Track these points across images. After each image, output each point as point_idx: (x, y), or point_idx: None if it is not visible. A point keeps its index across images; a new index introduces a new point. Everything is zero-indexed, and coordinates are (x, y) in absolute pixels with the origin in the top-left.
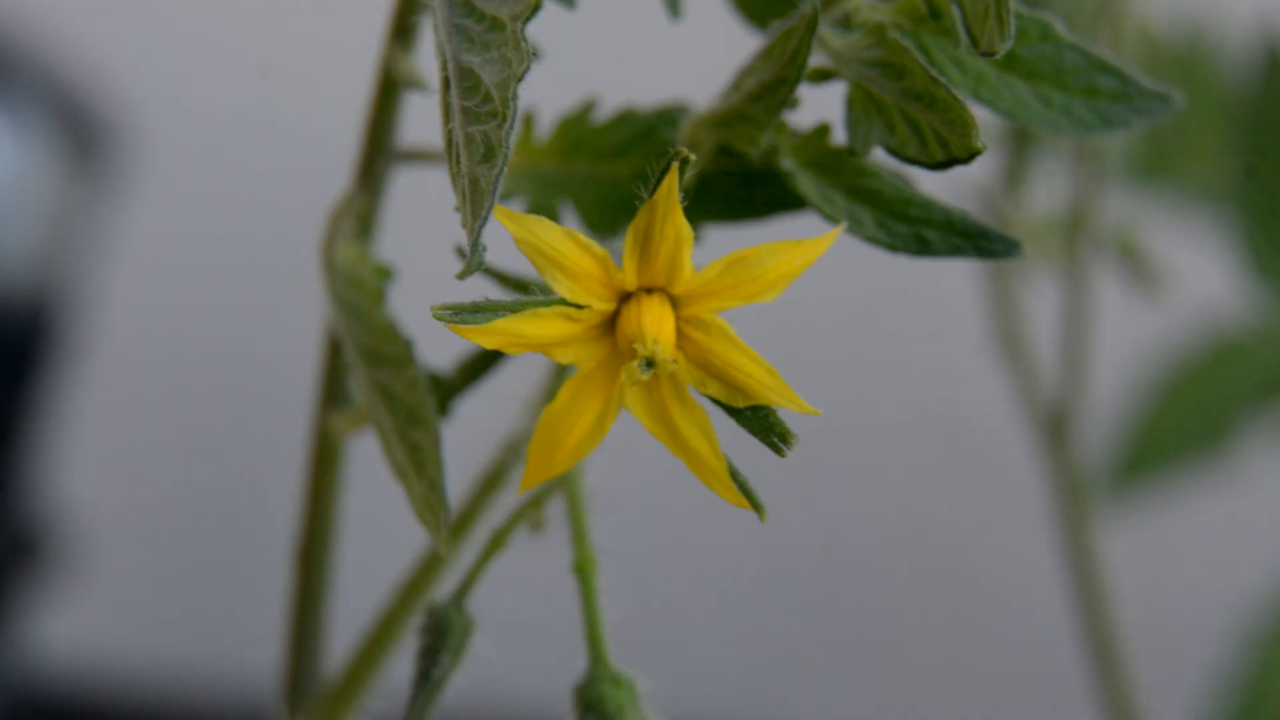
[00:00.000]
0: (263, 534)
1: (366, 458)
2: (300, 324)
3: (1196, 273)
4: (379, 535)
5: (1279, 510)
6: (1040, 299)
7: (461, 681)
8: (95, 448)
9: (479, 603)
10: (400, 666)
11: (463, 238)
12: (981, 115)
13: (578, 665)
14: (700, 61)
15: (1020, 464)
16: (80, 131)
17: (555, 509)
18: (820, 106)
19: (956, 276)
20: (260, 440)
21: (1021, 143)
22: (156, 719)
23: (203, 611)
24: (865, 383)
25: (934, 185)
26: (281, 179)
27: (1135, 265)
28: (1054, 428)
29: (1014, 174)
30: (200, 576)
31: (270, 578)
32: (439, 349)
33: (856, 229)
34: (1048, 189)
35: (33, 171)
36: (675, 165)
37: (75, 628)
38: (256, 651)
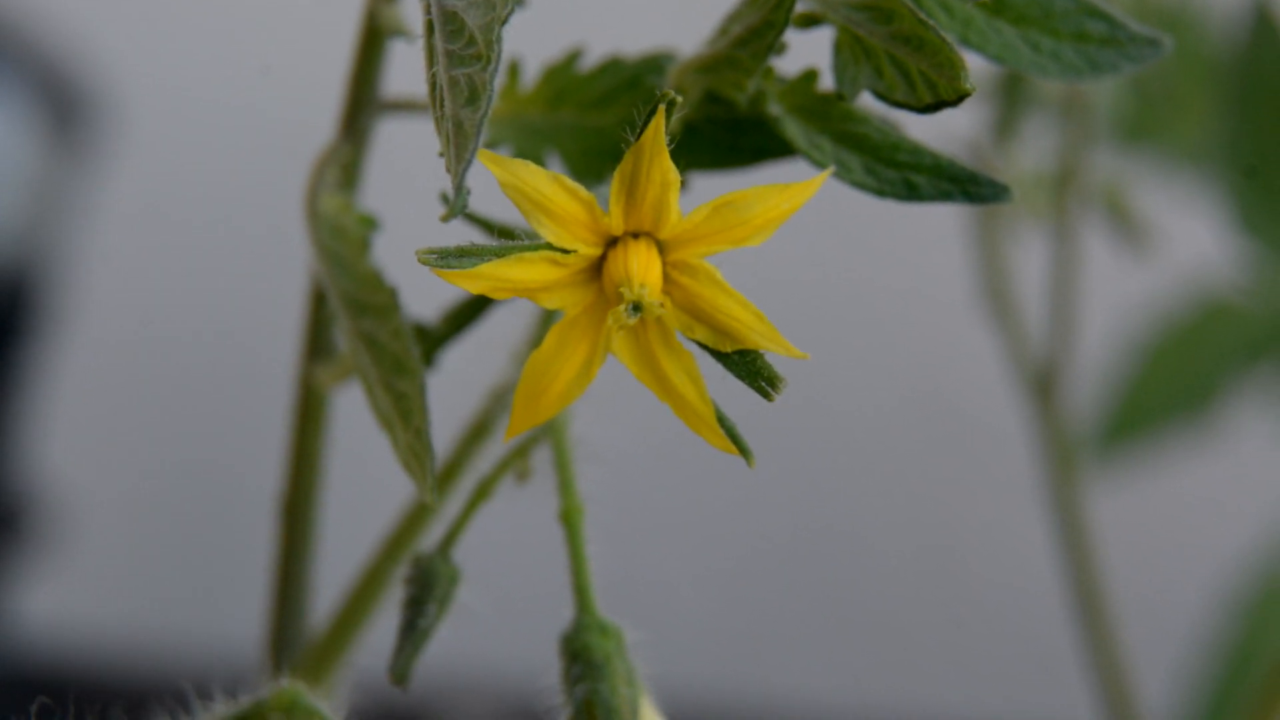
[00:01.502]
0: (245, 506)
1: (352, 410)
2: (282, 296)
3: (1184, 233)
4: (365, 488)
5: (1266, 473)
6: (1028, 257)
7: (447, 632)
8: (76, 420)
9: (463, 554)
10: (387, 620)
11: (448, 184)
12: (970, 62)
13: (565, 615)
14: (687, 8)
15: (1008, 424)
16: (62, 104)
17: (541, 458)
18: (807, 52)
19: (944, 233)
20: (242, 413)
21: (1010, 97)
22: (139, 691)
23: (185, 583)
24: (852, 343)
25: (923, 137)
26: (267, 140)
27: (1123, 223)
28: (1041, 387)
29: (1002, 129)
30: (183, 548)
31: (253, 549)
32: (425, 301)
33: (844, 174)
34: (1036, 145)
35: (14, 144)
36: (662, 108)
37: (57, 601)
38: (240, 623)
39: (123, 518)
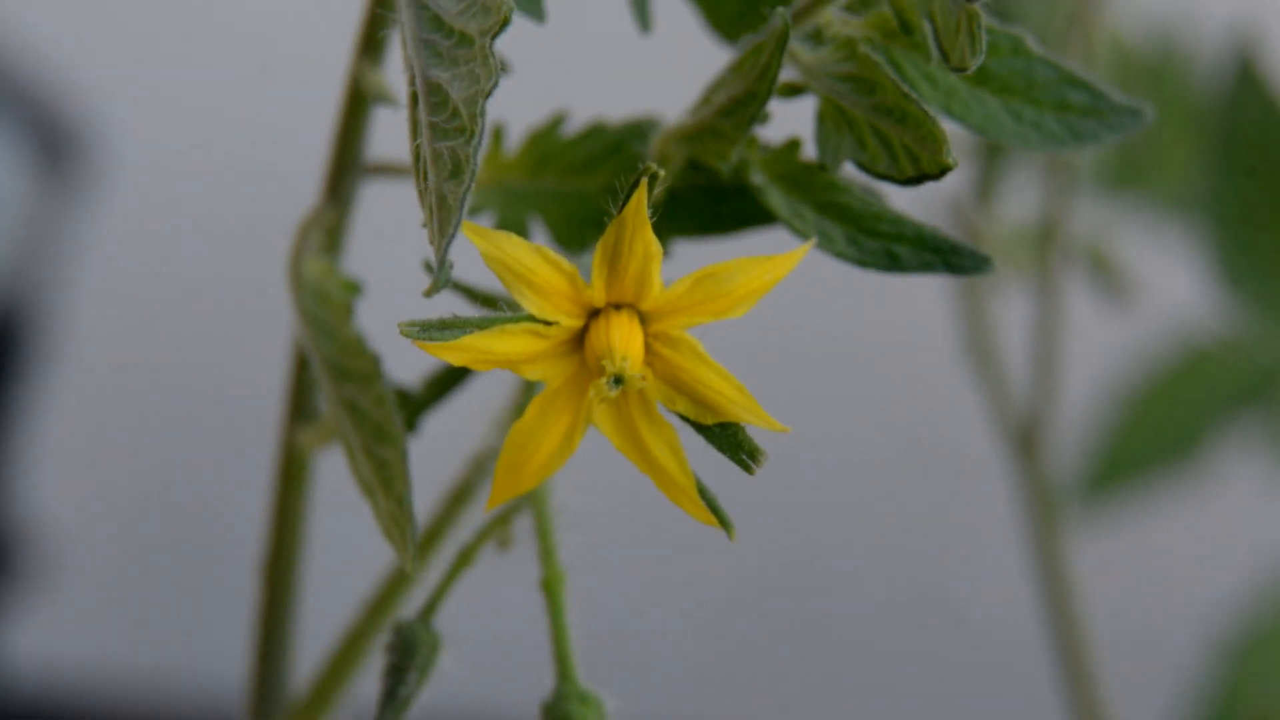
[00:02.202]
0: (231, 545)
1: (334, 473)
2: (270, 332)
3: (1167, 282)
4: (346, 551)
5: (1250, 520)
6: (1011, 310)
7: (428, 700)
8: (63, 457)
9: (445, 620)
10: (367, 685)
11: (431, 252)
12: (952, 129)
13: (545, 683)
14: (670, 76)
15: (991, 475)
16: (50, 140)
17: (523, 526)
18: (791, 121)
19: (927, 288)
20: (229, 450)
21: (992, 155)
22: None
23: (171, 623)
24: (835, 395)
25: (905, 196)
26: (249, 190)
27: (1106, 276)
28: (1025, 439)
29: (985, 186)
30: (169, 587)
31: (239, 589)
32: (407, 364)
33: (826, 245)
34: (1019, 200)
35: (3, 180)
36: (644, 180)
37: (43, 639)
38: (225, 663)
39: (109, 556)
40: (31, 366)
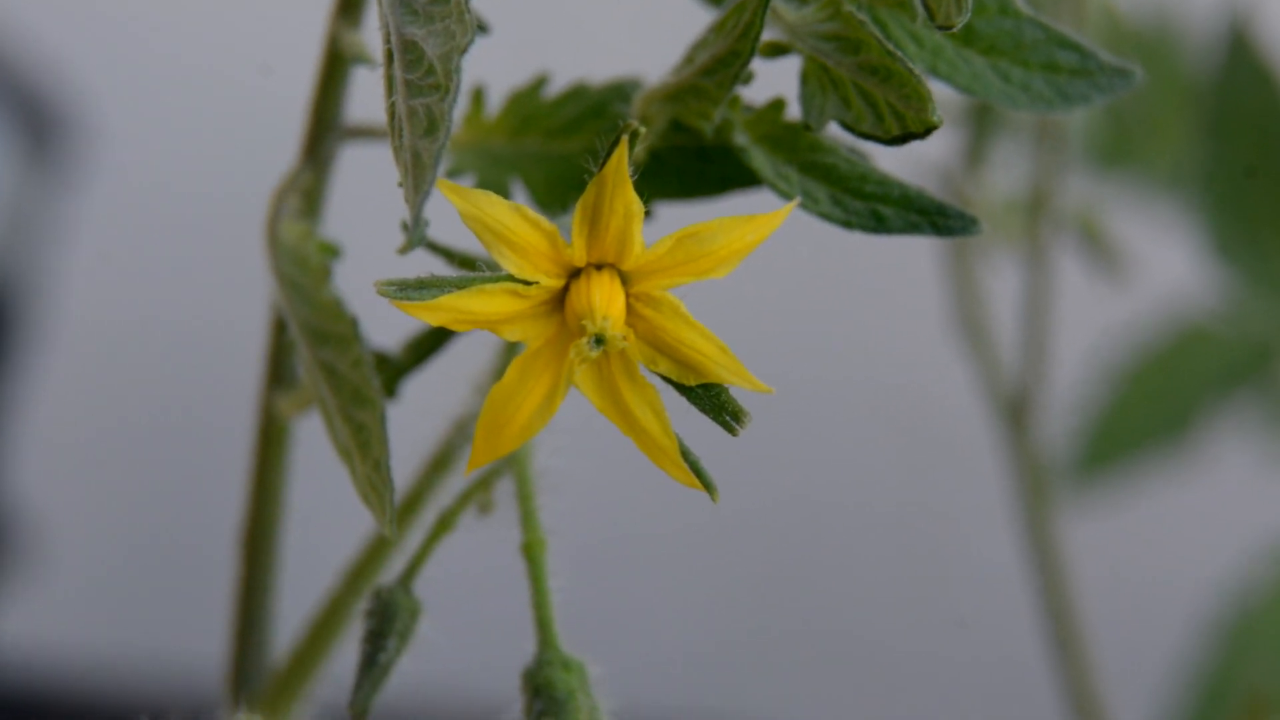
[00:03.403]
0: (217, 526)
1: (314, 440)
2: (255, 308)
3: (1159, 259)
4: (327, 519)
5: (1243, 499)
6: (1001, 282)
7: (408, 666)
8: (49, 441)
9: (425, 586)
10: (347, 653)
11: (407, 211)
12: (940, 92)
13: (527, 649)
14: (653, 36)
15: (981, 451)
16: (36, 123)
17: (504, 490)
18: (774, 82)
19: (918, 259)
20: (216, 430)
21: (982, 123)
22: (109, 711)
23: (155, 603)
24: (823, 368)
25: (894, 165)
26: (235, 172)
27: (1097, 248)
28: (1015, 414)
29: (974, 155)
30: (155, 571)
31: (224, 573)
32: (388, 329)
33: (811, 205)
34: (1008, 171)
35: None
36: (625, 138)
37: (32, 621)
38: (209, 642)
39: (94, 541)
40: (16, 350)
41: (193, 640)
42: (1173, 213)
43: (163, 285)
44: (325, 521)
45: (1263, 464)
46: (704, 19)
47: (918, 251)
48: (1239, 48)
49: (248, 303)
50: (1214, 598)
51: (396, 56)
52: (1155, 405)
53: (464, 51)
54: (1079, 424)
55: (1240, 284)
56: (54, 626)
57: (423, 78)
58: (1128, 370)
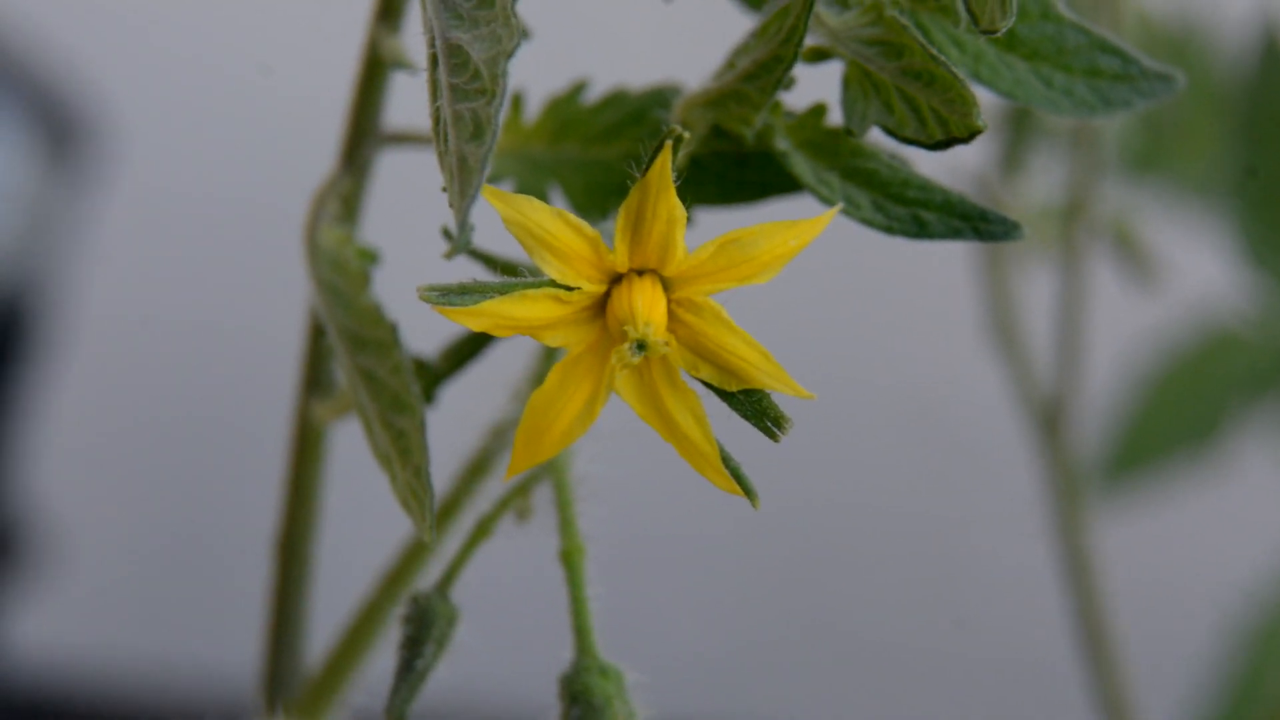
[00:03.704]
0: (241, 530)
1: (349, 445)
2: (280, 317)
3: (1192, 264)
4: (362, 524)
5: (1272, 504)
6: (1035, 289)
7: (445, 672)
8: (68, 444)
9: (463, 592)
10: (383, 659)
11: (450, 219)
12: (980, 97)
13: (564, 656)
14: (693, 41)
15: (1014, 455)
16: (57, 125)
17: (542, 496)
18: (815, 86)
19: (952, 265)
20: (238, 434)
21: (1019, 130)
22: (126, 716)
23: (180, 608)
24: (858, 372)
25: (929, 173)
26: (262, 165)
27: (1131, 255)
28: (1048, 419)
29: (1011, 162)
30: (178, 573)
31: (249, 573)
32: (425, 333)
33: (853, 211)
34: (1044, 178)
35: (9, 165)
36: (668, 144)
37: (49, 626)
38: (234, 648)
39: (116, 544)
40: (36, 353)
41: (210, 645)
42: (1204, 217)
43: (182, 287)
44: (358, 525)
45: None
46: (742, 25)
47: (951, 257)
48: (1271, 54)
49: (267, 304)
50: (1241, 602)
51: (441, 61)
52: (1184, 410)
53: (510, 56)
54: (1109, 428)
55: (1271, 289)
56: (70, 630)
57: (468, 82)
58: (1157, 375)
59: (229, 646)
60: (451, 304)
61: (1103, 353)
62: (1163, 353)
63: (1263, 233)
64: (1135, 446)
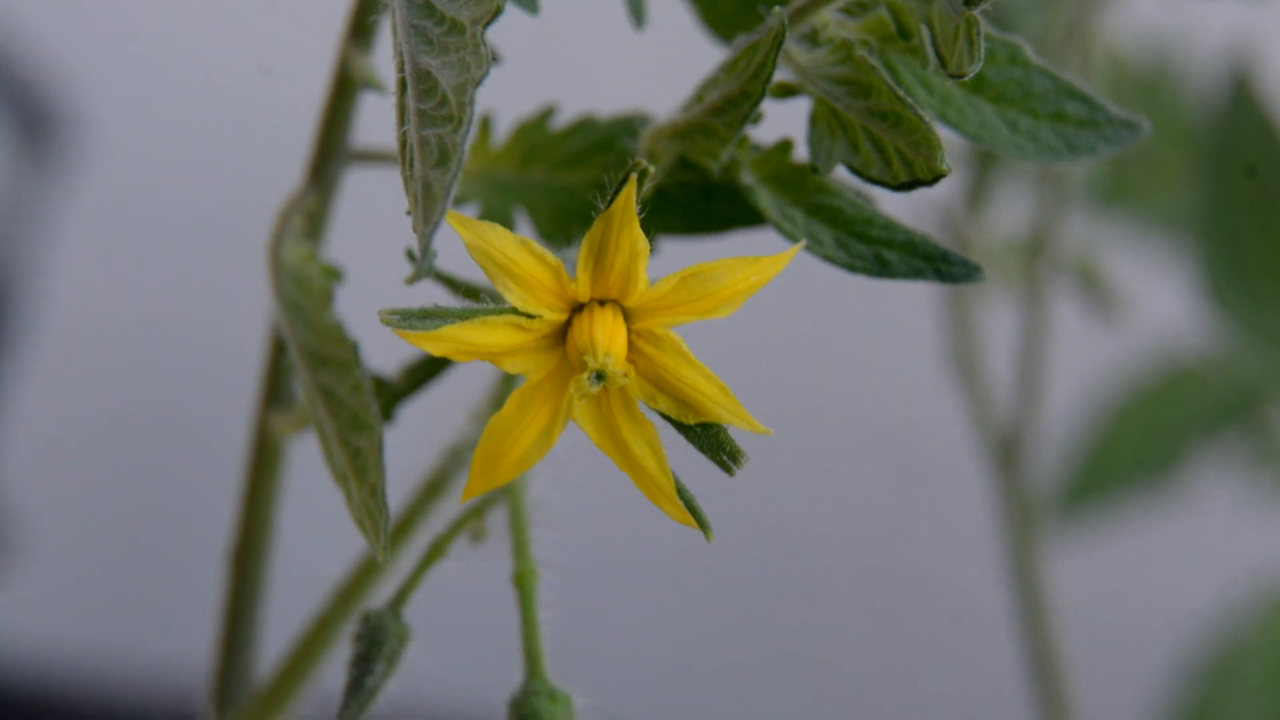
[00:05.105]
0: (202, 528)
1: (306, 459)
2: (249, 315)
3: (1153, 297)
4: (316, 538)
5: (1226, 539)
6: (997, 321)
7: (395, 690)
8: (35, 436)
9: (414, 612)
10: (333, 673)
11: (414, 240)
12: (946, 136)
13: (514, 678)
14: (662, 72)
15: (969, 484)
16: (30, 116)
17: (497, 519)
18: (782, 122)
19: (913, 295)
20: (203, 432)
21: (985, 163)
22: (89, 711)
23: (137, 605)
24: (817, 400)
25: (895, 202)
26: (235, 163)
27: (1093, 290)
28: (1005, 451)
29: (976, 194)
30: (137, 570)
31: (207, 572)
32: (384, 350)
33: (815, 247)
34: (1009, 210)
35: None
36: (633, 176)
37: (11, 620)
38: (189, 649)
39: (74, 540)
40: (6, 345)
41: (174, 642)
42: (1167, 251)
43: (154, 282)
44: (313, 538)
45: (1246, 504)
46: (714, 57)
47: (914, 287)
48: (1240, 93)
49: (239, 300)
50: (1195, 637)
51: (410, 86)
52: (1142, 443)
53: (478, 84)
54: (1066, 459)
55: (1231, 328)
56: (34, 625)
57: (436, 108)
58: (1116, 407)
59: (187, 644)
60: (413, 328)
61: (1063, 386)
62: (1122, 386)
63: (1224, 272)
64: (1092, 478)
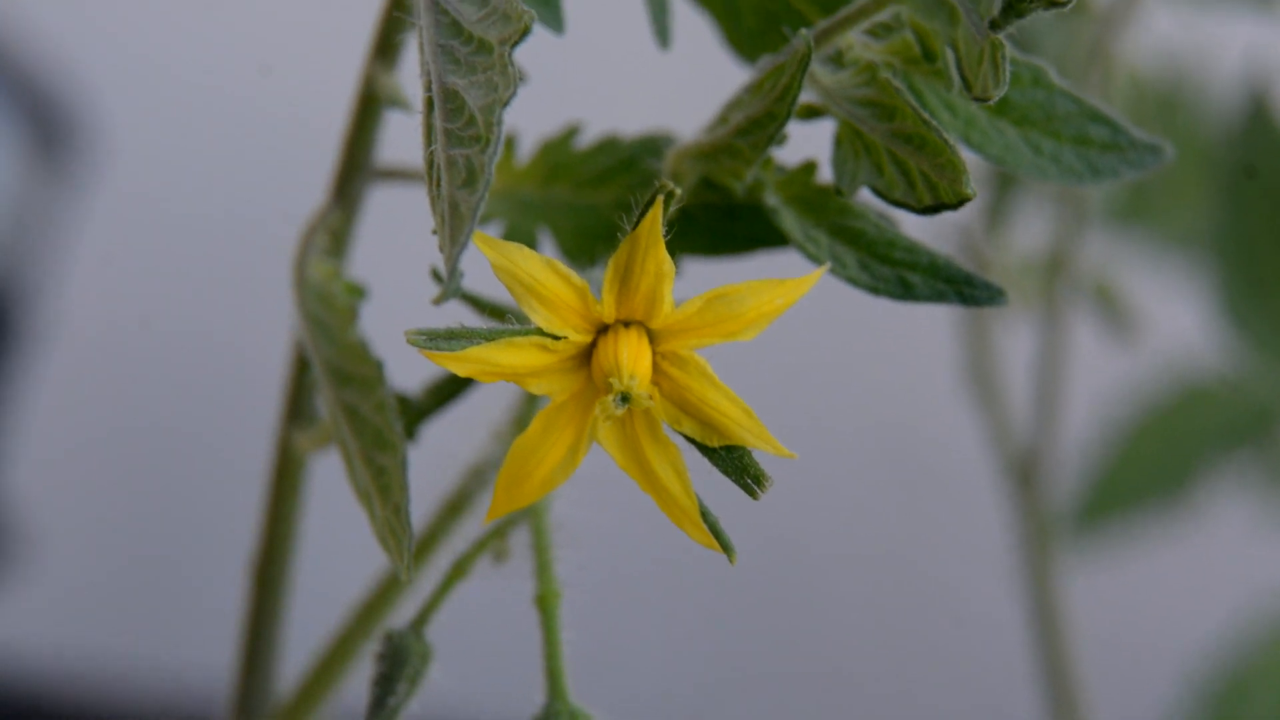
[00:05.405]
0: (215, 539)
1: (329, 475)
2: (263, 322)
3: (1170, 317)
4: (338, 554)
5: (1239, 559)
6: (1015, 340)
7: (417, 710)
8: (45, 442)
9: (436, 631)
10: (353, 691)
11: (439, 259)
12: (967, 157)
13: (535, 698)
14: (687, 92)
15: (986, 503)
16: (44, 123)
17: (520, 540)
18: (807, 144)
19: (930, 314)
20: (218, 439)
21: (1004, 183)
22: (101, 718)
23: (147, 616)
24: (835, 416)
25: (914, 222)
26: (252, 170)
27: (1111, 310)
28: (1023, 470)
29: (995, 214)
30: (152, 577)
31: (223, 581)
32: (408, 368)
33: (839, 269)
34: (1027, 230)
35: None
36: (660, 198)
37: (20, 627)
38: (205, 657)
39: (90, 546)
40: (16, 351)
41: (186, 649)
42: (1184, 270)
43: (165, 289)
44: (335, 552)
45: (1260, 524)
46: (737, 77)
47: (933, 306)
48: (1258, 113)
49: (249, 309)
50: (1207, 657)
51: (437, 105)
52: (1156, 462)
53: (506, 104)
54: (1082, 478)
55: (1247, 347)
56: (45, 632)
57: (463, 128)
58: (1131, 426)
59: (199, 656)
60: (438, 349)
61: (1080, 404)
62: (1138, 405)
63: (1240, 292)
64: (1107, 496)
